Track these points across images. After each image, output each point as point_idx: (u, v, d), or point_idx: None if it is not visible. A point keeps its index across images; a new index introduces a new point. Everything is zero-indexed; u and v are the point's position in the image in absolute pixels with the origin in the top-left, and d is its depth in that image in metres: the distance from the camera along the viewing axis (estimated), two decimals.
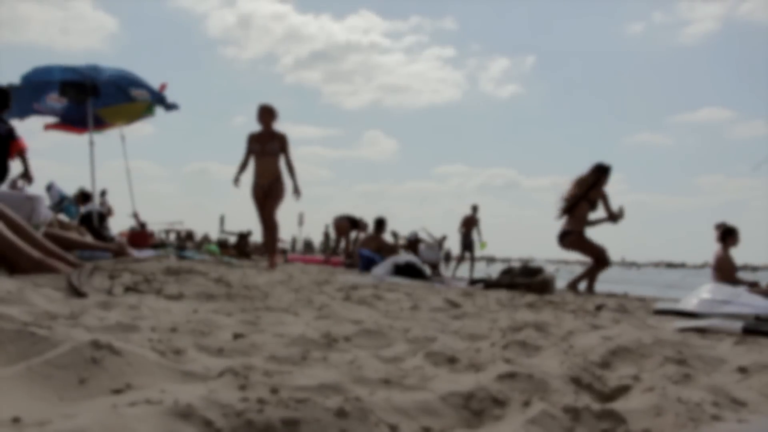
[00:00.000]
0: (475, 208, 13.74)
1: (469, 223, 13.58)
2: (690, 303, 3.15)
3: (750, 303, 2.96)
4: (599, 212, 6.12)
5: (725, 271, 6.44)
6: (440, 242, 12.16)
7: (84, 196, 9.43)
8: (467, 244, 13.66)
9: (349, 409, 0.83)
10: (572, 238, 6.04)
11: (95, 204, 8.12)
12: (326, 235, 22.34)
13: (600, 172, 6.09)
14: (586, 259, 6.29)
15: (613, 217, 6.04)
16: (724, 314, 2.78)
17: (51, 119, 8.38)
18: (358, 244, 9.30)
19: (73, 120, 8.21)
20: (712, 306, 2.95)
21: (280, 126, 6.62)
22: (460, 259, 14.21)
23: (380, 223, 9.11)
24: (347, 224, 11.87)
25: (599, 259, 6.07)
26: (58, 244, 2.93)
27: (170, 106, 8.09)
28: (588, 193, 6.02)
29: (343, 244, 12.41)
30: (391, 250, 8.33)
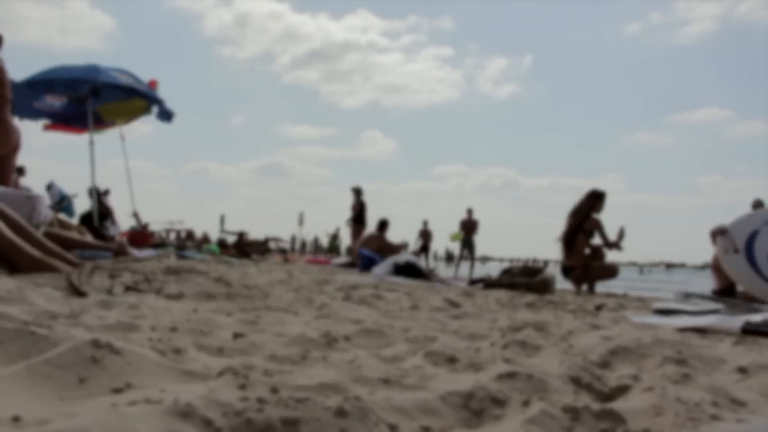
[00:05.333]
0: (470, 211, 14.99)
1: (468, 226, 14.84)
2: (684, 305, 3.14)
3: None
4: (598, 238, 6.24)
5: (723, 270, 6.46)
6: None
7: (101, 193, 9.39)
8: (467, 245, 14.93)
9: (348, 408, 0.83)
10: (576, 273, 6.13)
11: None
12: (333, 236, 22.44)
13: (594, 198, 6.19)
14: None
15: (610, 245, 6.14)
16: (720, 310, 2.77)
17: (50, 119, 8.39)
18: (358, 244, 9.30)
19: (72, 118, 8.21)
20: (707, 306, 2.95)
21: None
22: (461, 257, 15.13)
23: (383, 224, 9.13)
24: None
25: (610, 277, 6.20)
26: (59, 244, 2.93)
27: (165, 113, 8.07)
28: (583, 223, 6.12)
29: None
30: (392, 250, 8.33)
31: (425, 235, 16.57)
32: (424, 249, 16.47)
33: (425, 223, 16.81)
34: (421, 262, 12.76)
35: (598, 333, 2.04)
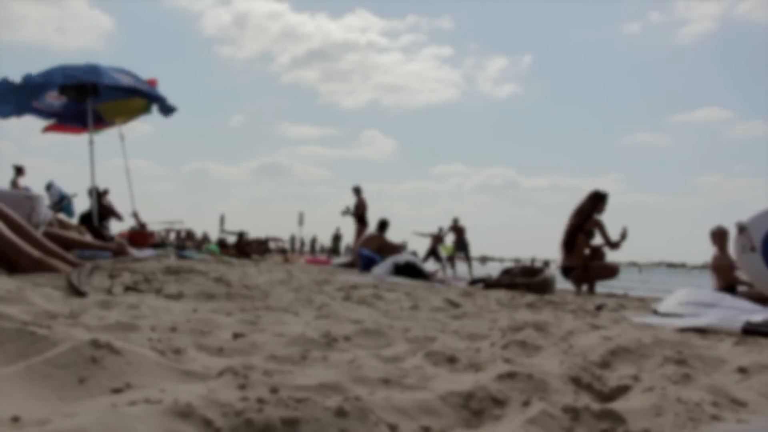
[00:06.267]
0: (456, 220, 16.77)
1: (458, 231, 16.67)
2: (671, 306, 3.09)
3: (737, 306, 2.93)
4: (600, 238, 6.23)
5: (722, 270, 6.48)
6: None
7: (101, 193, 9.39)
8: (461, 247, 16.63)
9: (348, 408, 0.82)
10: (576, 273, 6.13)
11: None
12: (335, 237, 22.48)
13: (596, 199, 6.20)
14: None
15: (611, 245, 6.15)
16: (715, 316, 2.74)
17: (49, 119, 8.38)
18: (358, 244, 9.31)
19: (71, 118, 8.21)
20: (698, 309, 2.92)
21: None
22: (454, 258, 16.84)
23: (383, 224, 9.14)
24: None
25: (610, 276, 6.20)
26: (58, 244, 2.93)
27: (168, 108, 8.10)
28: (584, 224, 6.12)
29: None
30: (392, 250, 8.33)
31: (437, 239, 16.93)
32: (433, 252, 16.75)
33: (441, 229, 17.14)
34: (431, 265, 13.15)
35: (598, 333, 2.03)
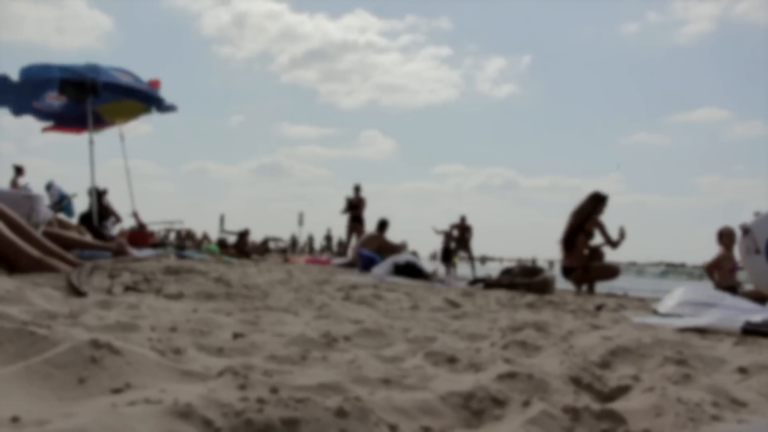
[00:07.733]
0: (463, 218, 16.32)
1: (463, 229, 16.15)
2: (671, 306, 3.08)
3: (737, 306, 2.92)
4: (598, 238, 6.23)
5: (722, 270, 6.48)
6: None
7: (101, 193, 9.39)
8: (464, 247, 16.24)
9: (348, 408, 0.82)
10: (576, 274, 6.14)
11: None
12: (328, 238, 22.48)
13: (596, 201, 6.20)
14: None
15: (612, 243, 6.15)
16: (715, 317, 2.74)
17: (49, 120, 8.38)
18: (358, 244, 9.31)
19: (71, 119, 8.21)
20: (697, 309, 2.91)
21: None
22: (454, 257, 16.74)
23: (383, 224, 9.14)
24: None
25: (610, 277, 6.20)
26: (58, 243, 2.93)
27: (167, 108, 8.10)
28: (584, 224, 6.12)
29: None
30: (392, 249, 8.33)
31: (449, 236, 16.36)
32: (446, 251, 16.16)
33: (463, 219, 16.21)
34: (432, 264, 13.14)
35: (598, 333, 2.03)
